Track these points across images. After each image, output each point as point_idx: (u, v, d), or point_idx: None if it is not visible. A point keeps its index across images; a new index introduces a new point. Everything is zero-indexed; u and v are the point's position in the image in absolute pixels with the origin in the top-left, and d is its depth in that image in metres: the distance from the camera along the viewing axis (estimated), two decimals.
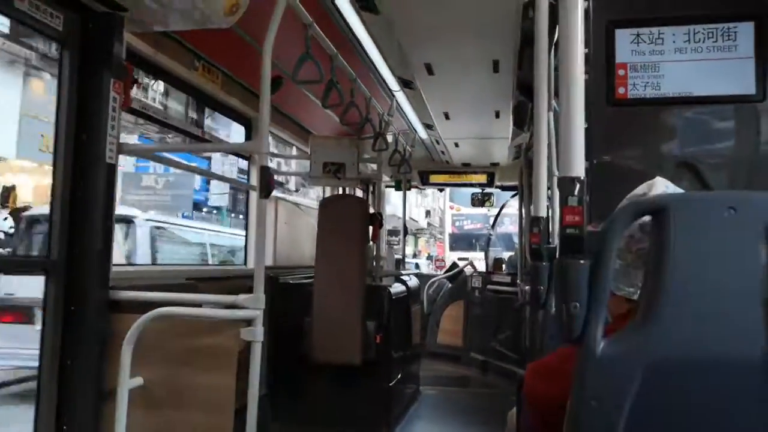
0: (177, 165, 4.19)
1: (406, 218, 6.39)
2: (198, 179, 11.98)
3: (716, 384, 0.84)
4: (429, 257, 26.62)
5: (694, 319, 0.85)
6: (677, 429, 0.86)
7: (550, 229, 2.10)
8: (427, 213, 25.78)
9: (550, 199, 2.18)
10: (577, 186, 0.89)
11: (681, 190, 1.22)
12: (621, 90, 2.06)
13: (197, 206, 12.86)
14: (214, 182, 13.17)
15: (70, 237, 2.10)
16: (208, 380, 2.09)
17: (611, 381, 0.86)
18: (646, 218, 0.99)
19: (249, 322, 2.05)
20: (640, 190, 1.24)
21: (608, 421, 0.85)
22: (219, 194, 13.17)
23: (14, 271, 3.15)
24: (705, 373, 0.84)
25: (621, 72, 2.06)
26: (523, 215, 5.16)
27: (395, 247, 7.41)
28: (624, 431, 0.84)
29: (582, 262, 0.87)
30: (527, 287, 4.26)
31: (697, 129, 2.08)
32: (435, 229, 29.11)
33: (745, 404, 0.85)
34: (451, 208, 20.26)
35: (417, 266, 14.07)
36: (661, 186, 1.21)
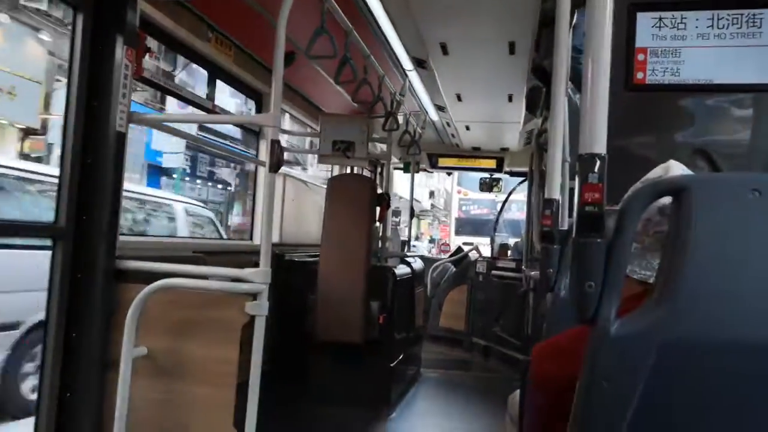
0: (188, 137, 4.18)
1: (409, 199, 6.37)
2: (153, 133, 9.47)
3: (732, 366, 0.83)
4: (432, 240, 25.89)
5: (712, 300, 0.84)
6: (690, 410, 0.85)
7: (560, 214, 2.08)
8: (431, 194, 24.76)
9: (561, 185, 2.16)
10: (598, 163, 0.88)
11: (684, 171, 1.19)
12: (639, 75, 2.02)
13: (158, 169, 10.45)
14: (169, 138, 10.13)
15: (78, 204, 2.10)
16: (211, 353, 2.10)
17: (624, 361, 0.85)
18: (665, 201, 0.97)
19: (254, 296, 2.05)
20: (654, 173, 1.22)
21: (620, 401, 0.84)
22: (174, 153, 10.52)
23: (22, 235, 3.16)
24: (721, 355, 0.83)
25: (641, 57, 2.02)
26: (533, 202, 5.13)
27: (400, 228, 7.39)
28: (635, 411, 0.83)
29: (599, 240, 0.86)
30: (532, 273, 4.25)
31: (715, 117, 2.04)
32: (439, 212, 28.05)
33: (760, 387, 0.84)
34: (459, 192, 20.13)
35: (413, 249, 12.35)
36: (677, 169, 1.19)
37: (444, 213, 27.93)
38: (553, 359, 1.18)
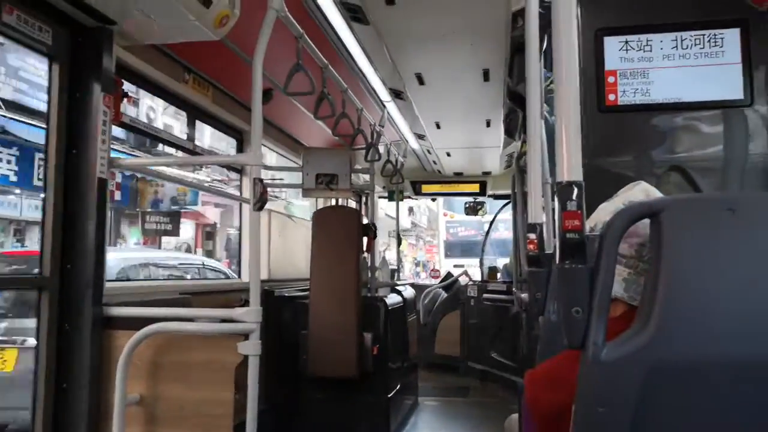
0: (171, 179, 4.18)
1: (383, 215, 6.37)
2: None
3: (719, 384, 0.84)
4: (417, 263, 24.28)
5: (694, 321, 0.85)
6: (684, 430, 0.85)
7: (545, 236, 2.11)
8: (410, 210, 23.00)
9: (543, 207, 2.19)
10: (575, 190, 0.89)
11: (659, 194, 1.22)
12: (611, 97, 2.08)
13: None
14: None
15: (62, 253, 2.08)
16: (205, 395, 2.07)
17: (616, 385, 0.85)
18: None
19: (246, 335, 2.03)
20: (629, 192, 1.24)
21: (616, 426, 0.84)
22: None
23: (7, 288, 3.11)
24: (708, 374, 0.84)
25: (611, 79, 2.08)
26: (518, 223, 5.17)
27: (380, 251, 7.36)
28: None
29: (582, 267, 0.87)
30: (523, 295, 4.26)
31: (687, 134, 2.10)
32: (421, 230, 26.04)
33: (748, 403, 0.85)
34: (445, 215, 20.16)
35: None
36: (653, 191, 1.21)
37: (429, 233, 26.43)
38: (546, 387, 1.18)
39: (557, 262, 0.89)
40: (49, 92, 2.12)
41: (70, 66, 2.13)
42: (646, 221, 0.94)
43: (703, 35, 2.02)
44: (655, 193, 1.20)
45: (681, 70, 2.03)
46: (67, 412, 2.04)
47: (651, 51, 2.05)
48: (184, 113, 3.40)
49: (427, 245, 27.37)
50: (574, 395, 0.90)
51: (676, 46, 2.04)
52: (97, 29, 2.12)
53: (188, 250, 12.30)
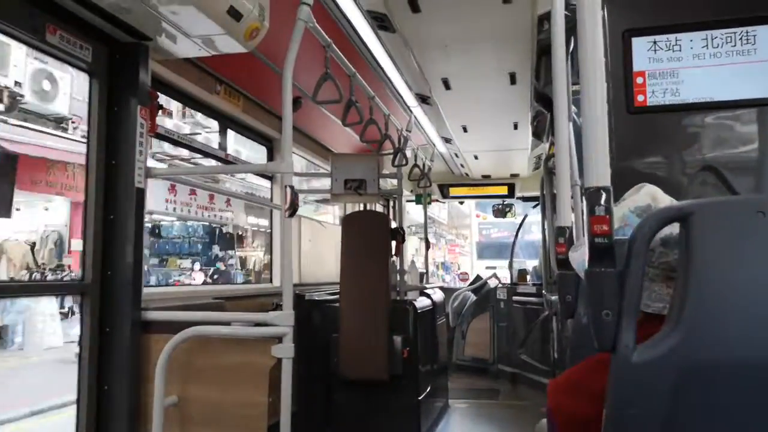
0: (206, 187, 4.27)
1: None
2: None
3: (750, 387, 0.84)
4: (437, 265, 20.65)
5: (724, 323, 0.86)
6: (715, 430, 0.85)
7: (574, 238, 2.10)
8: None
9: (573, 208, 2.18)
10: (603, 196, 0.90)
11: (668, 198, 1.21)
12: (640, 98, 2.06)
13: None
14: None
15: (103, 260, 2.16)
16: (240, 397, 2.12)
17: (647, 387, 0.86)
18: (667, 232, 0.99)
19: (279, 339, 2.08)
20: (635, 196, 1.23)
21: (648, 427, 0.85)
22: None
23: (52, 293, 3.24)
24: (740, 375, 0.84)
25: (639, 80, 2.06)
26: (546, 226, 5.13)
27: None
28: None
29: (611, 270, 0.88)
30: (553, 297, 4.22)
31: (719, 134, 2.07)
32: (440, 227, 22.47)
33: None
34: (477, 216, 19.84)
35: None
36: (662, 196, 1.20)
37: (452, 231, 23.05)
38: (567, 395, 1.18)
39: (587, 266, 0.91)
40: (89, 106, 2.21)
41: (109, 81, 2.21)
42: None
43: (735, 33, 1.99)
44: (662, 196, 1.19)
45: (712, 69, 2.00)
46: (108, 412, 2.11)
47: (680, 51, 2.03)
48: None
49: (448, 245, 24.68)
50: (594, 403, 0.90)
51: (707, 45, 2.01)
52: (133, 45, 2.20)
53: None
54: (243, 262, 13.61)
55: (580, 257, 1.21)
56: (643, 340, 0.89)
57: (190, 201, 10.43)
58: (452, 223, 23.51)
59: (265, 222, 12.61)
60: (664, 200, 1.19)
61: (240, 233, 13.83)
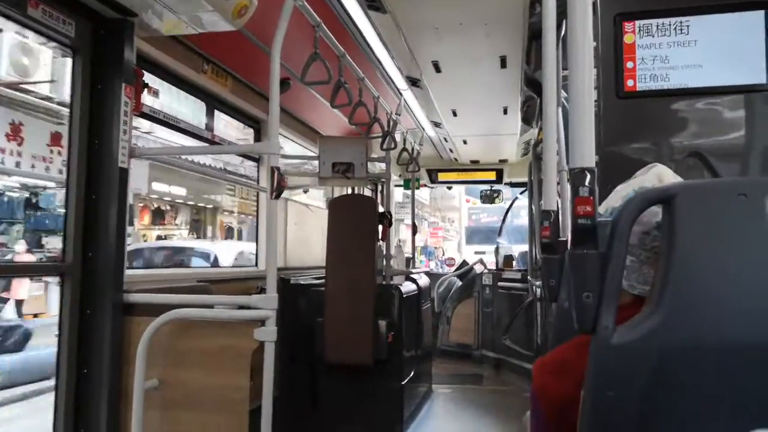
0: (191, 168, 4.23)
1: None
2: None
3: (730, 366, 0.84)
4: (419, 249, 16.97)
5: (706, 303, 0.86)
6: (693, 413, 0.86)
7: (560, 223, 2.10)
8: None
9: (559, 194, 2.18)
10: (588, 177, 0.90)
11: (672, 177, 1.21)
12: (630, 82, 2.05)
13: None
14: None
15: (84, 240, 2.13)
16: (222, 381, 2.11)
17: (626, 369, 0.86)
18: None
19: (262, 322, 2.07)
20: (643, 176, 1.23)
21: (625, 409, 0.85)
22: None
23: (33, 274, 3.19)
24: (718, 356, 0.85)
25: (629, 64, 2.06)
26: (533, 212, 5.15)
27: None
28: (641, 419, 0.84)
29: (593, 252, 0.88)
30: (537, 283, 4.25)
31: (707, 119, 2.07)
32: (422, 208, 20.63)
33: (758, 385, 0.85)
34: (467, 201, 19.65)
35: None
36: (669, 175, 1.20)
37: (435, 213, 21.31)
38: (553, 374, 1.18)
39: (569, 247, 0.90)
40: (72, 83, 2.16)
41: (93, 57, 2.16)
42: (650, 210, 0.94)
43: (726, 18, 1.98)
44: (669, 176, 1.19)
45: (702, 54, 2.00)
46: (87, 395, 2.09)
47: (671, 36, 2.02)
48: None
49: (431, 228, 22.76)
50: (580, 383, 0.90)
51: (697, 30, 2.00)
52: (118, 21, 2.15)
53: None
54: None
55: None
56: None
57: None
58: (435, 205, 22.45)
59: (183, 191, 11.09)
60: (671, 181, 1.18)
61: (161, 207, 11.20)
